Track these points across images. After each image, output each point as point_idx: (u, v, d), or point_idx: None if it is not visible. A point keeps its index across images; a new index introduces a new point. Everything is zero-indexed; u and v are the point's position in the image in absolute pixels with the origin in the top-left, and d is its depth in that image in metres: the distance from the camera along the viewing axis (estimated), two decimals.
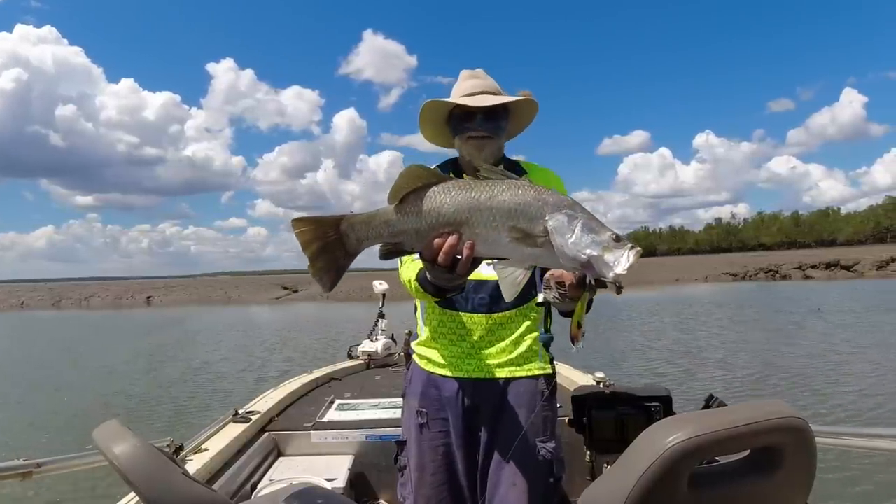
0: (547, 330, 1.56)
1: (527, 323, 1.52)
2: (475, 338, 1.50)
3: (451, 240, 0.95)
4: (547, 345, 1.54)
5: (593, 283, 0.97)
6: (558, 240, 0.91)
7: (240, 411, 2.64)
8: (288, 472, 2.36)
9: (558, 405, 1.59)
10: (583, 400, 1.73)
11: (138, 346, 14.87)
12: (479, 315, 1.50)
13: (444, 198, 0.95)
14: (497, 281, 1.47)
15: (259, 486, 2.21)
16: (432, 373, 1.55)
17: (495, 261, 1.02)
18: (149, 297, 45.93)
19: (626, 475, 0.81)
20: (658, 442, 0.79)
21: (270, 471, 2.39)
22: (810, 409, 5.92)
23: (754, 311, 17.64)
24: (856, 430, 1.52)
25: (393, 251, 1.01)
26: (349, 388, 3.40)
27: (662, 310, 19.04)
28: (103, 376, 10.45)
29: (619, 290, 0.95)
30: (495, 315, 1.49)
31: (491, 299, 1.49)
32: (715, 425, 0.79)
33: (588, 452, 1.95)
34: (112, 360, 12.50)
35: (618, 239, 0.90)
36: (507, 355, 1.50)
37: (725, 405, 1.42)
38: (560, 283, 1.10)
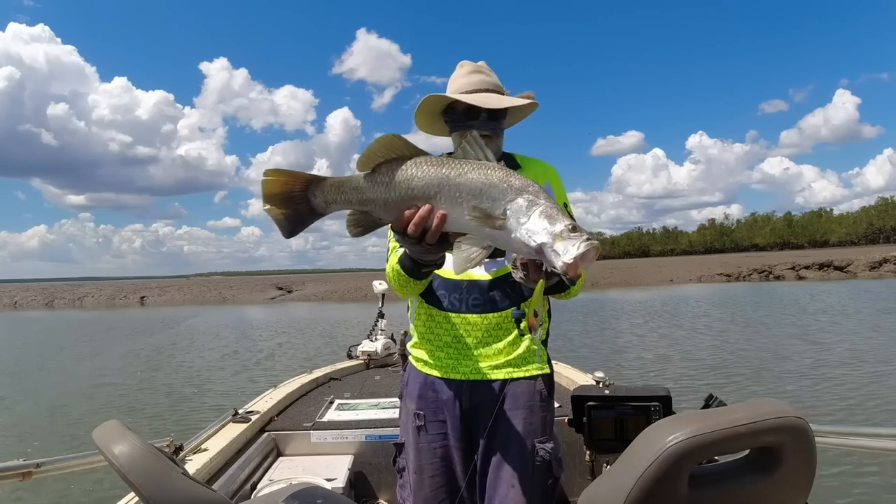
0: (518, 307, 1.53)
1: (523, 323, 1.51)
2: (471, 339, 1.50)
3: (423, 211, 0.96)
4: (518, 321, 1.52)
5: (548, 270, 0.96)
6: (513, 223, 0.91)
7: (239, 411, 2.64)
8: (287, 472, 2.36)
9: (558, 405, 1.60)
10: (582, 400, 1.74)
11: (135, 347, 14.82)
12: (474, 316, 1.49)
13: (415, 171, 0.97)
14: (490, 280, 1.49)
15: (259, 486, 2.22)
16: (429, 375, 1.54)
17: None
18: (143, 297, 45.73)
19: (626, 475, 0.81)
20: (657, 441, 0.80)
21: (270, 471, 2.39)
22: (811, 409, 5.94)
23: (751, 310, 17.71)
24: (856, 430, 1.54)
25: (361, 221, 1.01)
26: (349, 388, 3.40)
27: (659, 310, 19.10)
28: (100, 377, 10.41)
29: (570, 280, 0.92)
30: (490, 315, 1.49)
31: (484, 300, 1.48)
32: (714, 425, 0.80)
33: (587, 452, 1.96)
34: (109, 361, 12.45)
35: (574, 229, 0.89)
36: (505, 356, 1.50)
37: (725, 405, 1.43)
38: (524, 265, 1.11)
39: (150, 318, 27.13)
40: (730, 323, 14.64)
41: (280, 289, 44.72)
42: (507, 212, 0.92)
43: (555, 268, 0.89)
